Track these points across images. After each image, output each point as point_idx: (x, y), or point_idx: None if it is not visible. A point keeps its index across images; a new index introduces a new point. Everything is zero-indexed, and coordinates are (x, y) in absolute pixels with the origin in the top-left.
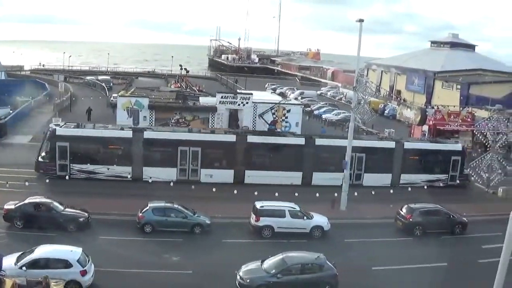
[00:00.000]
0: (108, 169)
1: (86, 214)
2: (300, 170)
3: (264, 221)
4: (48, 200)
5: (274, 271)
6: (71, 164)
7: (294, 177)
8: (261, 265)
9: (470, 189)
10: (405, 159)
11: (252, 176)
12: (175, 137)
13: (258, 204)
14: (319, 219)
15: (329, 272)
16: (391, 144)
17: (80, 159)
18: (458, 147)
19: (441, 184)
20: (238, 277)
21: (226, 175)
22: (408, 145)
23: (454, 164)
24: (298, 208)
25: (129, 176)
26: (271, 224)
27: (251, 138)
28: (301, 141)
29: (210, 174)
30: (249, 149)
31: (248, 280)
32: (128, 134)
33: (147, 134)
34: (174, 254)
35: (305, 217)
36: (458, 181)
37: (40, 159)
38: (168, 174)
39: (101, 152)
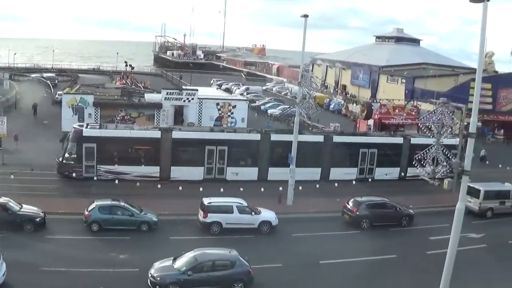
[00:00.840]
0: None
1: (42, 214)
2: (319, 166)
3: (212, 217)
4: (4, 200)
5: (184, 268)
6: (98, 165)
7: (314, 173)
8: (173, 262)
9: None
10: (411, 153)
11: (275, 173)
12: (203, 137)
13: (206, 201)
14: (267, 214)
15: (242, 268)
16: (399, 140)
17: (107, 160)
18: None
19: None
20: (150, 275)
21: (251, 173)
22: (414, 140)
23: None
24: (245, 204)
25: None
26: (219, 220)
27: (275, 137)
28: (320, 138)
29: (236, 172)
30: (272, 147)
31: (158, 278)
32: (157, 134)
33: (175, 134)
34: (121, 252)
35: (253, 213)
36: None
37: (64, 160)
38: (195, 173)
39: (129, 152)
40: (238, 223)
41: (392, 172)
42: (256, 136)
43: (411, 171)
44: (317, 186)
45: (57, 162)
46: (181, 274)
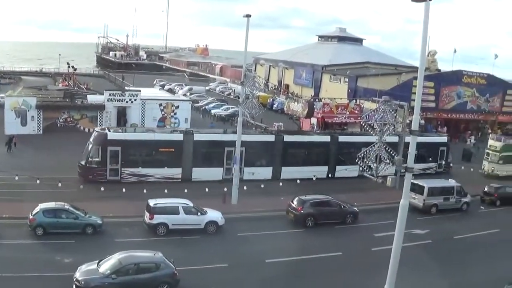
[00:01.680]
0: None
1: None
2: (326, 165)
3: (158, 218)
4: None
5: (109, 272)
6: (122, 168)
7: (321, 171)
8: (98, 266)
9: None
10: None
11: (287, 172)
12: (222, 139)
13: (152, 202)
14: (213, 214)
15: (167, 271)
16: (395, 139)
17: (131, 163)
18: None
19: (432, 172)
20: (74, 279)
21: (265, 172)
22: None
23: (442, 153)
24: (191, 205)
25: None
26: (165, 221)
27: (287, 138)
28: (326, 138)
29: (252, 172)
30: (285, 147)
31: (83, 282)
32: (179, 137)
33: (197, 137)
34: (66, 256)
35: (199, 213)
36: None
37: (87, 164)
38: (215, 174)
39: (152, 155)
40: (184, 224)
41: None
42: (271, 137)
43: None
44: (262, 186)
45: (79, 166)
46: (105, 278)
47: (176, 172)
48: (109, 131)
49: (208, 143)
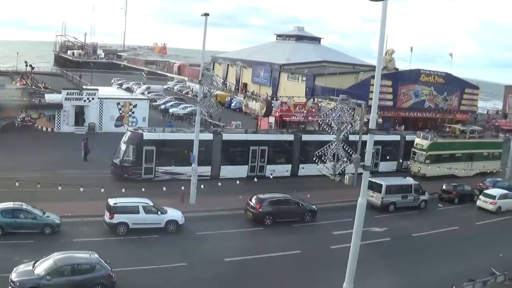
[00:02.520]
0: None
1: None
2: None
3: (118, 218)
4: None
5: (44, 273)
6: (156, 167)
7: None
8: (33, 267)
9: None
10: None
11: (304, 169)
12: (248, 138)
13: (111, 201)
14: (173, 213)
15: (102, 272)
16: (397, 137)
17: (165, 161)
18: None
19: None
20: (10, 280)
21: (285, 169)
22: (305, 137)
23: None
24: (151, 204)
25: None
26: (126, 220)
27: (305, 137)
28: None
29: (273, 169)
30: (303, 146)
31: (17, 283)
32: (209, 136)
33: (225, 136)
34: (25, 256)
35: (159, 212)
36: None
37: (122, 163)
38: (240, 171)
39: (184, 154)
40: (144, 223)
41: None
42: (291, 137)
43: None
44: (219, 184)
45: (112, 164)
46: (40, 279)
47: (205, 170)
48: (144, 131)
49: (235, 142)
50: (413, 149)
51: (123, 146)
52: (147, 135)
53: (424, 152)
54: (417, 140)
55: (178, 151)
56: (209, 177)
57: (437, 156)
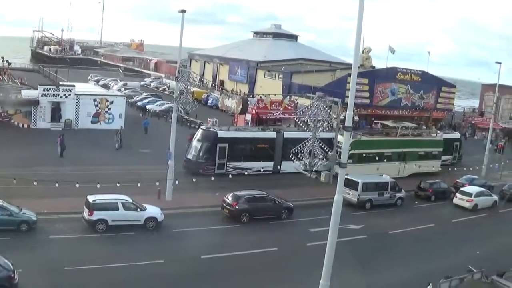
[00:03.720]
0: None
1: None
2: None
3: (97, 214)
4: None
5: None
6: (227, 162)
7: None
8: None
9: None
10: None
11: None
12: (305, 136)
13: (91, 198)
14: (152, 210)
15: (3, 274)
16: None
17: (235, 157)
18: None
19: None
20: None
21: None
22: (287, 134)
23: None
24: (130, 200)
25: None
26: (105, 217)
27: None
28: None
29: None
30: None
31: None
32: (273, 135)
33: (286, 134)
34: (1, 253)
35: (138, 209)
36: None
37: (197, 159)
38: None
39: (252, 150)
40: (124, 220)
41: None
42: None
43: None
44: (194, 180)
45: (185, 160)
46: None
47: (268, 165)
48: (217, 130)
49: (294, 140)
50: (336, 148)
51: (197, 144)
52: (220, 133)
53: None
54: (340, 138)
55: (246, 148)
56: (271, 172)
57: (361, 155)
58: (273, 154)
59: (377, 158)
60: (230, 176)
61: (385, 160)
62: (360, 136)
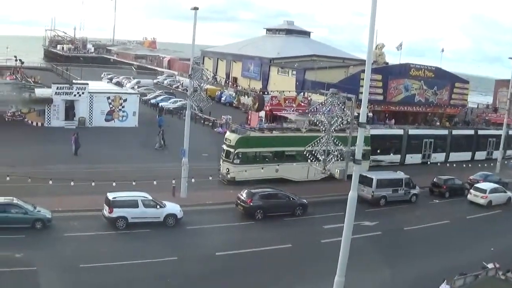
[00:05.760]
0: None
1: None
2: (443, 152)
3: (117, 212)
4: None
5: None
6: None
7: (438, 157)
8: None
9: None
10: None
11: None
12: (424, 133)
13: (111, 196)
14: (172, 207)
15: None
16: (471, 131)
17: (373, 151)
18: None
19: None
20: None
21: (441, 157)
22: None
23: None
24: (150, 198)
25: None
26: (125, 215)
27: (412, 132)
28: (444, 132)
29: (435, 156)
30: (409, 139)
31: None
32: (401, 132)
33: (411, 131)
34: (17, 251)
35: (158, 206)
36: None
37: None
38: (418, 158)
39: (385, 145)
40: (143, 217)
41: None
42: (446, 131)
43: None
44: (210, 177)
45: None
46: None
47: (396, 158)
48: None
49: (416, 136)
50: (222, 146)
51: None
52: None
53: (233, 150)
54: (227, 135)
55: (382, 143)
56: (398, 163)
57: (251, 154)
58: (400, 148)
59: (275, 158)
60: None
61: (286, 160)
62: (249, 133)
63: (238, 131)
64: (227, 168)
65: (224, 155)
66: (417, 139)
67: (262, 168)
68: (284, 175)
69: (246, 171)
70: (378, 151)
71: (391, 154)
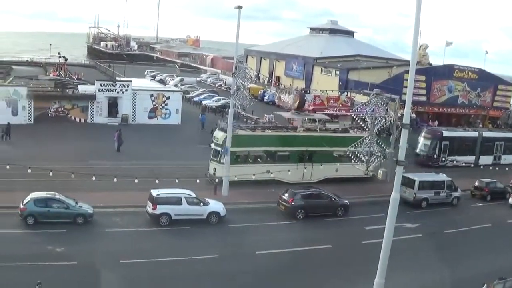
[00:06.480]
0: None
1: None
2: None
3: (161, 208)
4: None
5: None
6: (447, 156)
7: (508, 159)
8: None
9: None
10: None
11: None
12: (495, 136)
13: (155, 192)
14: (215, 205)
15: None
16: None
17: (451, 152)
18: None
19: None
20: None
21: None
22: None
23: None
24: (194, 195)
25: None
26: (168, 211)
27: (486, 134)
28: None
29: (505, 158)
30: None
31: None
32: (475, 134)
33: (485, 134)
34: (58, 246)
35: (201, 204)
36: None
37: (428, 154)
38: (488, 159)
39: (462, 147)
40: (187, 214)
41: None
42: None
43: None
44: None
45: (416, 155)
46: None
47: (471, 159)
48: (443, 130)
49: (489, 138)
50: (211, 144)
51: (427, 141)
52: (446, 133)
53: (220, 149)
54: (215, 133)
55: (459, 145)
56: (472, 165)
57: (240, 154)
58: (474, 149)
59: (268, 159)
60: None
61: (280, 160)
62: (237, 131)
63: (226, 129)
64: (214, 168)
65: (212, 154)
66: (490, 141)
67: (253, 169)
68: (277, 176)
69: (234, 171)
70: (455, 152)
71: (467, 155)
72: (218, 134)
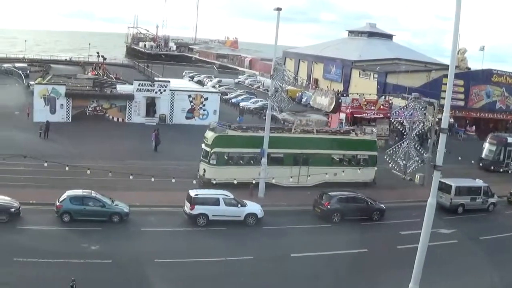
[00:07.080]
0: None
1: (16, 204)
2: None
3: (198, 209)
4: None
5: None
6: (510, 162)
7: None
8: None
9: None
10: None
11: None
12: None
13: (193, 193)
14: (253, 207)
15: None
16: None
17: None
18: None
19: None
20: None
21: None
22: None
23: None
24: (232, 196)
25: None
26: (206, 212)
27: None
28: None
29: None
30: None
31: None
32: None
33: None
34: (92, 243)
35: (239, 205)
36: None
37: (491, 160)
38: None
39: None
40: (224, 215)
41: None
42: None
43: None
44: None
45: (481, 160)
46: None
47: None
48: (507, 136)
49: None
50: (202, 145)
51: (492, 147)
52: (510, 139)
53: (209, 149)
54: (205, 133)
55: None
56: None
57: (230, 155)
58: None
59: (258, 160)
60: (509, 172)
61: (273, 163)
62: (227, 131)
63: (216, 129)
64: (204, 169)
65: (201, 155)
66: None
67: (243, 171)
68: (269, 179)
69: (223, 173)
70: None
71: None
72: (208, 134)
